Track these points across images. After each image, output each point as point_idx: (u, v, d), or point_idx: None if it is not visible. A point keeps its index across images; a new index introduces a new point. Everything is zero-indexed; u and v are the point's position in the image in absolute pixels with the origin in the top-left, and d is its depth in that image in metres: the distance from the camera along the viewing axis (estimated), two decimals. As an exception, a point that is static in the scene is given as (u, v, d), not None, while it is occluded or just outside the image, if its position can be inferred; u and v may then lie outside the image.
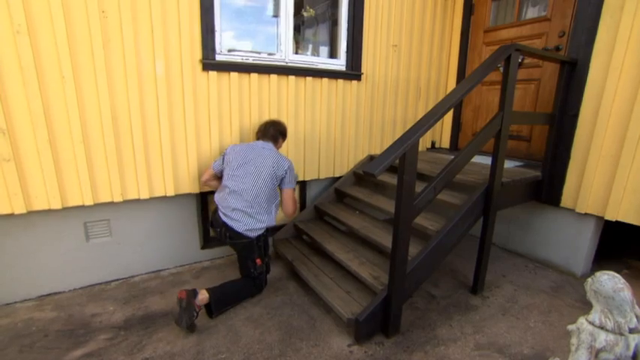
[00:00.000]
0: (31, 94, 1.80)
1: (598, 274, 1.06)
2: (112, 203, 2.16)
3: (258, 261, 2.09)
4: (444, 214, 2.18)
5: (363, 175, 2.01)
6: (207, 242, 2.65)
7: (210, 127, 2.36)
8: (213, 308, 1.91)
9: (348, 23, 2.81)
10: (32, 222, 2.02)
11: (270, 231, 2.52)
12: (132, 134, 2.11)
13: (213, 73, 2.29)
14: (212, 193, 2.54)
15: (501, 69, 1.99)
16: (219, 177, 2.27)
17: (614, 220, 2.21)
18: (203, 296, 1.86)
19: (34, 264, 2.08)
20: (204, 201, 2.57)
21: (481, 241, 2.16)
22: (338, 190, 2.93)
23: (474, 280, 2.25)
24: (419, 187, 1.73)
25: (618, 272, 2.43)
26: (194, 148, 2.32)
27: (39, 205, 1.93)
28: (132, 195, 2.19)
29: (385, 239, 2.13)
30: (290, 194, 2.22)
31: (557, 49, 2.59)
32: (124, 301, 2.10)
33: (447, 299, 2.19)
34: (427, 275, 1.95)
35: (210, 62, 2.26)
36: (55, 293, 2.16)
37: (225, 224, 2.04)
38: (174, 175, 2.29)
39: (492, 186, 2.03)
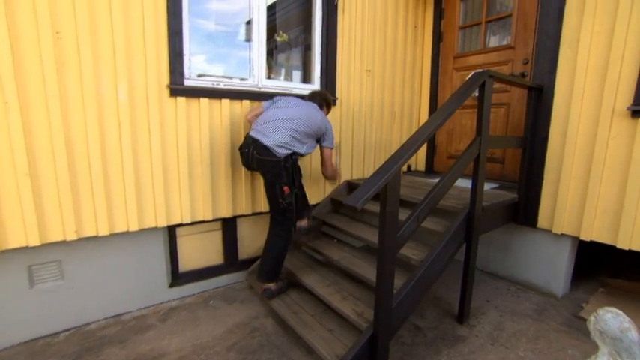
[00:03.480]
0: (-33, 123, 1.59)
1: (600, 311, 1.00)
2: (64, 242, 1.92)
3: (285, 189, 2.07)
4: (426, 241, 2.12)
5: (342, 204, 1.96)
6: (175, 279, 2.42)
7: (178, 156, 2.20)
8: (274, 280, 2.22)
9: (321, 48, 2.80)
10: (-36, 269, 1.75)
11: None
12: (90, 165, 1.92)
13: (181, 99, 2.16)
14: (180, 225, 2.36)
15: (474, 94, 2.01)
16: None
17: (588, 239, 2.24)
18: (267, 286, 2.20)
19: (-35, 318, 1.78)
20: (172, 234, 2.37)
21: (465, 269, 2.11)
22: (315, 219, 2.81)
23: (459, 308, 2.18)
24: (400, 213, 1.66)
25: (594, 291, 2.46)
26: (160, 179, 2.15)
27: (-28, 249, 1.67)
28: (89, 232, 1.97)
29: (367, 270, 2.03)
30: (329, 154, 2.34)
31: (523, 75, 2.70)
32: (75, 356, 1.83)
33: (433, 330, 2.10)
34: (413, 308, 1.85)
35: (178, 87, 2.14)
36: (-11, 352, 1.86)
37: (255, 140, 2.06)
38: (138, 208, 2.09)
39: (474, 211, 2.01)
